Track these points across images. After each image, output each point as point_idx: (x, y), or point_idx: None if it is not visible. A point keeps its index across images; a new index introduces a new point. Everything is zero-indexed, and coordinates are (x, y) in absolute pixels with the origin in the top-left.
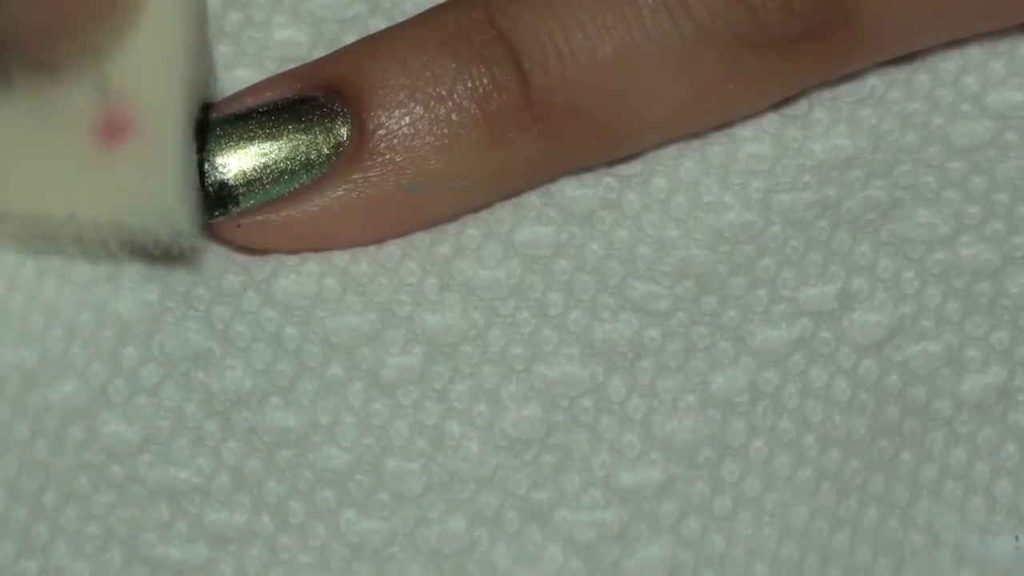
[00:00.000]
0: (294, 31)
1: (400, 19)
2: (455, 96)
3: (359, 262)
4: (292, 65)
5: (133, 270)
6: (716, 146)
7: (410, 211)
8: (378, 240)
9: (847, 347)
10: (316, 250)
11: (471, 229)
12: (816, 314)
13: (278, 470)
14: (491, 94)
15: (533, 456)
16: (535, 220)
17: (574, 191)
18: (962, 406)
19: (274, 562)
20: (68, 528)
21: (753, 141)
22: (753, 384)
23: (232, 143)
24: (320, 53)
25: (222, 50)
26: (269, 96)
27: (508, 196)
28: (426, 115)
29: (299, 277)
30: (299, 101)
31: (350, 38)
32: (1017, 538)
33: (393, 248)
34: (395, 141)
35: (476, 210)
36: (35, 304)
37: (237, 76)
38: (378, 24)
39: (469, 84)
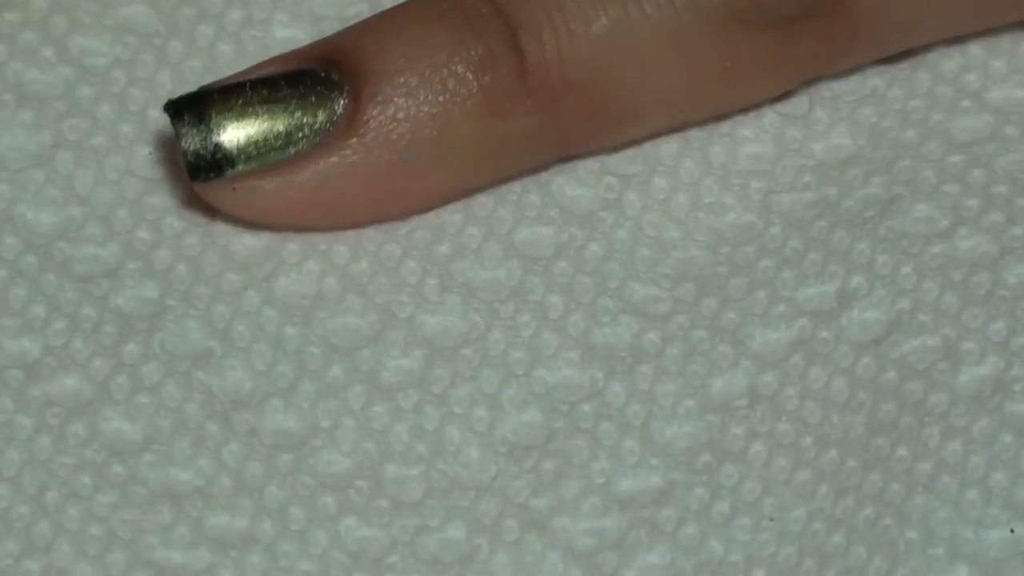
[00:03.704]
0: (295, 30)
1: None
2: (451, 65)
3: (359, 261)
4: None
5: (134, 266)
6: (717, 146)
7: (406, 180)
8: (376, 214)
9: (845, 346)
10: (314, 225)
11: (471, 229)
12: (815, 314)
13: (279, 474)
14: (487, 65)
15: (533, 463)
16: (535, 220)
17: (574, 191)
18: (958, 399)
19: (274, 568)
20: (71, 528)
21: (754, 141)
22: (752, 387)
23: (229, 110)
24: None
25: (223, 48)
26: (268, 72)
27: (506, 176)
28: (422, 83)
29: (300, 276)
30: (297, 72)
31: None
32: (1012, 530)
33: (393, 247)
34: (391, 109)
35: (474, 189)
36: (37, 296)
37: None
38: None
39: (465, 55)
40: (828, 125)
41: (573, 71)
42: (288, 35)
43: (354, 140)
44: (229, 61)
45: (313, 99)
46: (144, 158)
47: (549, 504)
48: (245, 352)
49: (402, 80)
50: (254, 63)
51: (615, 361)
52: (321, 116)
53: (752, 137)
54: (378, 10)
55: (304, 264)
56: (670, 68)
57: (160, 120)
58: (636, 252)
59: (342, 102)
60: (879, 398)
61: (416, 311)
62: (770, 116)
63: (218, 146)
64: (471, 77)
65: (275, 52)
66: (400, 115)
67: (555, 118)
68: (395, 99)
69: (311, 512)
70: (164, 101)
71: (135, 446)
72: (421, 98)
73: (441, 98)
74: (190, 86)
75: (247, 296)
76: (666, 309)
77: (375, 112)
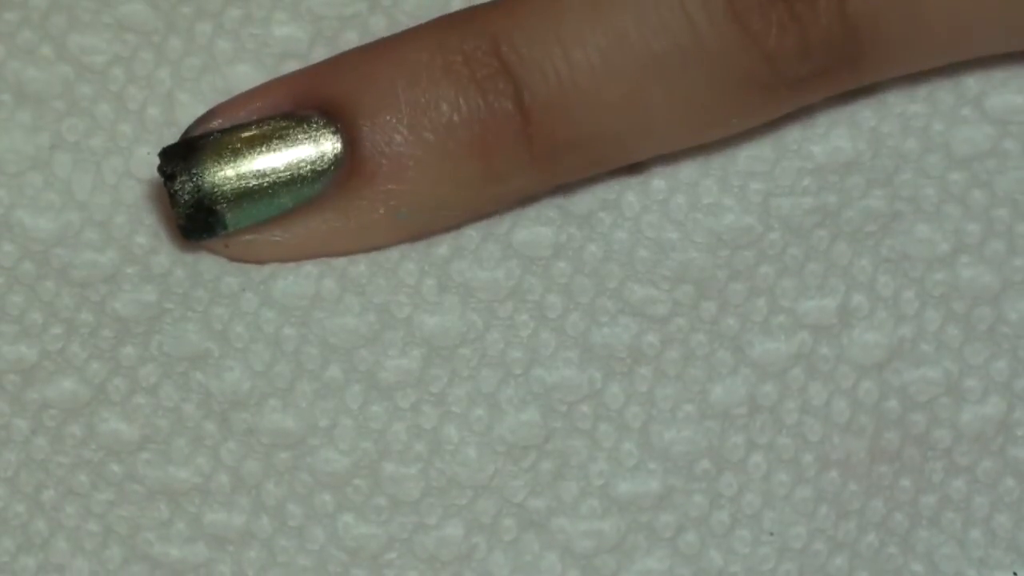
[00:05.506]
0: (294, 28)
1: (400, 17)
2: (451, 127)
3: (357, 263)
4: (291, 62)
5: (132, 271)
6: (715, 147)
7: (399, 236)
8: (367, 252)
9: (846, 366)
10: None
11: (470, 230)
12: (815, 328)
13: (276, 472)
14: (488, 127)
15: (531, 463)
16: (534, 220)
17: (573, 192)
18: (961, 437)
19: (272, 564)
20: (67, 525)
21: (752, 143)
22: (752, 396)
23: (222, 169)
24: (320, 50)
25: (222, 46)
26: (260, 106)
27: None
28: (421, 145)
29: (297, 278)
30: (292, 119)
31: (350, 36)
32: (1015, 573)
33: (392, 249)
34: (388, 169)
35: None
36: (34, 302)
37: (237, 72)
38: (378, 22)
39: (467, 116)
40: (827, 127)
41: (578, 132)
42: (287, 33)
43: (348, 202)
44: (228, 59)
45: (309, 152)
46: (142, 159)
47: (547, 504)
48: (243, 353)
49: (400, 140)
50: (253, 61)
51: (614, 362)
52: (315, 170)
53: (751, 138)
54: (377, 9)
55: (302, 266)
56: (676, 128)
57: (159, 119)
58: (635, 253)
59: (337, 157)
60: (881, 425)
61: (414, 311)
62: None
63: (210, 211)
64: (471, 141)
65: (274, 50)
66: (396, 177)
67: (554, 174)
68: (391, 160)
69: (309, 509)
70: (163, 99)
71: (132, 445)
72: (419, 160)
73: (440, 161)
74: (189, 84)
75: (245, 298)
76: (665, 311)
77: (371, 173)
